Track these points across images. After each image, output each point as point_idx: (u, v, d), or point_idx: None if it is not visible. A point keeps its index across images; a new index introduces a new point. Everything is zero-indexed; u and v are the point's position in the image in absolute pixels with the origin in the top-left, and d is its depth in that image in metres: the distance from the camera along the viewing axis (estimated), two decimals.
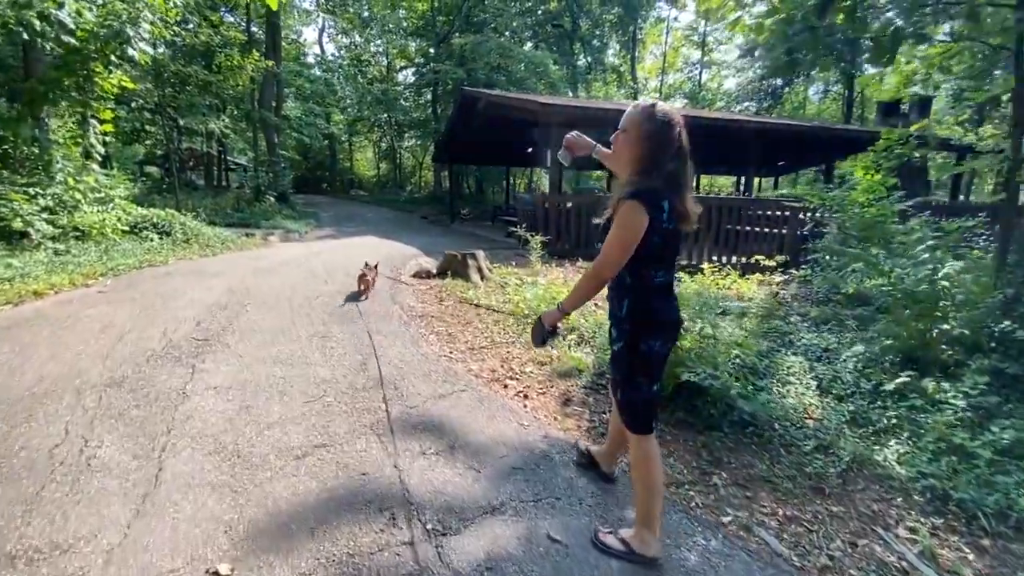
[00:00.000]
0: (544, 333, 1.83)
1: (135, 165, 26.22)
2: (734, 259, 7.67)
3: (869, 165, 5.44)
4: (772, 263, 6.54)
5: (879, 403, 3.14)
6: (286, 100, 20.38)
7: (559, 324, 1.85)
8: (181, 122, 14.88)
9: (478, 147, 18.02)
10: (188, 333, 3.85)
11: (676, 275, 1.97)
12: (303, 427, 2.61)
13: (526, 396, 3.22)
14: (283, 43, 19.85)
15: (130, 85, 7.34)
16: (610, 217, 1.69)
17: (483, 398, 3.10)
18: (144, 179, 18.65)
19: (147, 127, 19.68)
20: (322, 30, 32.79)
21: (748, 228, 7.60)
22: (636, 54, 29.85)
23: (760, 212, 7.63)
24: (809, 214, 7.14)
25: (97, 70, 7.24)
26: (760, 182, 28.00)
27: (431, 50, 25.92)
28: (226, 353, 3.50)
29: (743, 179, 26.39)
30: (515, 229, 7.77)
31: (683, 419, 2.98)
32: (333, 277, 6.22)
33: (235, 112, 20.75)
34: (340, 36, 32.58)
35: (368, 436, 2.57)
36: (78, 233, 6.68)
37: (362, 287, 5.26)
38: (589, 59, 28.43)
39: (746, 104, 28.91)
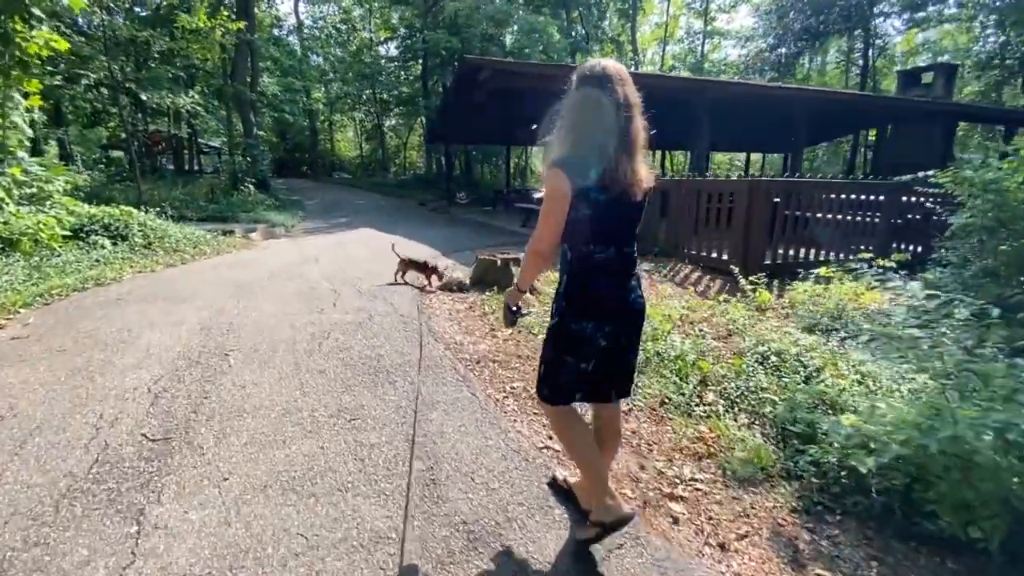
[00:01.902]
0: (510, 314, 1.74)
1: (99, 149, 24.01)
2: (817, 255, 6.39)
3: None
4: (888, 262, 5.27)
5: None
6: (261, 76, 18.34)
7: (520, 303, 1.75)
8: (144, 97, 12.93)
9: (477, 124, 16.45)
10: (137, 423, 2.43)
11: (630, 253, 1.66)
12: None
13: (722, 546, 1.89)
14: (256, 10, 17.75)
15: (62, 45, 5.66)
16: None
17: (660, 560, 1.76)
18: (103, 166, 16.63)
19: (108, 107, 17.67)
20: None
21: (840, 217, 6.31)
22: (636, 22, 28.04)
23: (847, 196, 6.33)
24: (923, 199, 5.87)
25: (17, 28, 5.54)
26: (764, 158, 26.85)
27: (417, 21, 23.81)
28: (199, 470, 2.10)
29: (767, 155, 25.21)
30: None
31: None
32: (341, 295, 4.79)
33: (205, 90, 18.69)
34: (317, 6, 30.11)
35: None
36: (1, 244, 5.10)
37: (425, 282, 5.04)
38: (586, 29, 26.57)
39: (751, 76, 27.46)
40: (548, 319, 1.75)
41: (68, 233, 5.81)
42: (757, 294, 4.84)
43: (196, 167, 26.20)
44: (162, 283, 5.16)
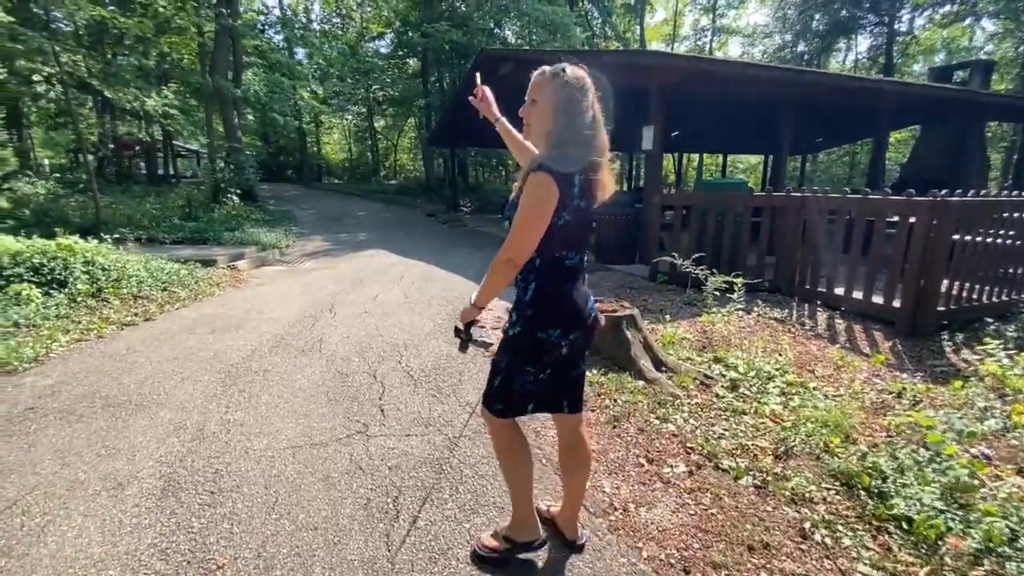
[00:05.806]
0: (463, 335, 1.55)
1: (68, 153, 21.86)
2: (999, 294, 4.92)
3: None
4: None
5: None
6: (245, 71, 16.41)
7: (476, 321, 1.54)
8: (109, 95, 10.94)
9: (484, 126, 14.83)
10: None
11: (584, 258, 1.54)
12: None
13: None
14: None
15: None
16: (519, 193, 1.45)
17: None
18: (65, 174, 14.59)
19: (75, 107, 15.69)
20: None
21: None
22: (643, 17, 26.66)
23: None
24: None
25: None
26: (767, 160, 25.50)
27: (412, 14, 21.99)
28: None
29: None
30: (670, 260, 4.88)
31: None
32: (387, 386, 3.14)
33: (181, 88, 16.74)
34: None
35: None
36: None
37: None
38: (592, 25, 25.11)
39: None
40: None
41: None
42: (984, 366, 3.32)
43: (172, 172, 24.15)
44: (110, 365, 3.45)
